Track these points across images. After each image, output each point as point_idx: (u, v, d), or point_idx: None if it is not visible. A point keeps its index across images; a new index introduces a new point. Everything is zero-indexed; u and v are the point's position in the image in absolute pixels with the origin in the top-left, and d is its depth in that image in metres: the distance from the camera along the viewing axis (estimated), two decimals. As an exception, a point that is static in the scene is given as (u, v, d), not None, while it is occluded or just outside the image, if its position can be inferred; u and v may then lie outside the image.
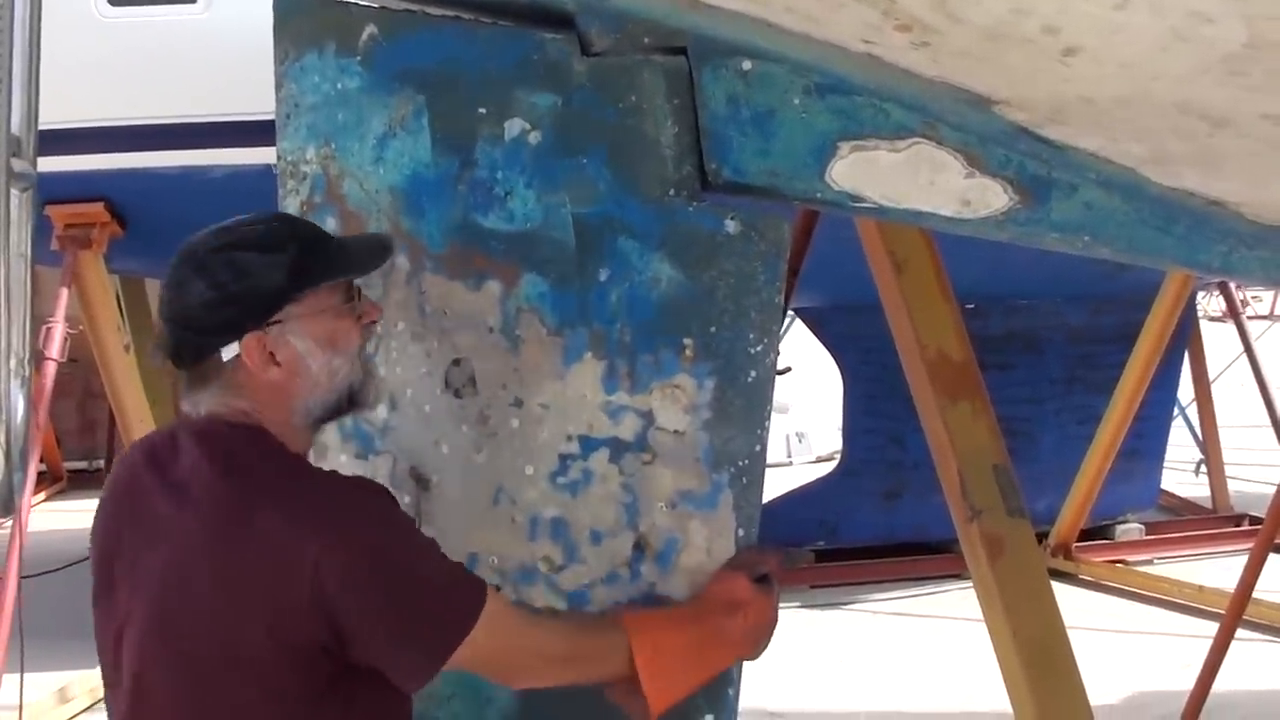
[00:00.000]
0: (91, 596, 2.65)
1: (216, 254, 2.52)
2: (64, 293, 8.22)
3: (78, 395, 15.09)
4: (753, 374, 2.77)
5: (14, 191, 2.51)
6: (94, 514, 2.68)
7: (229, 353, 2.52)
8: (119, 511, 2.63)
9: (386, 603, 2.46)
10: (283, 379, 2.57)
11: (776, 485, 11.27)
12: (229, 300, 2.50)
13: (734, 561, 2.84)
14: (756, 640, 2.82)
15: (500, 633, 2.56)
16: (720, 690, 2.87)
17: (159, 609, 2.50)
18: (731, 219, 2.74)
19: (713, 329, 2.76)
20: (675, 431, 2.82)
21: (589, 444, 2.88)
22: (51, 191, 7.92)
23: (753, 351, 2.76)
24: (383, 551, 2.47)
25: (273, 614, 2.42)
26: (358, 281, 2.69)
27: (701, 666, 2.78)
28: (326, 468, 2.77)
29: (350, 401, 2.66)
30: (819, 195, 2.73)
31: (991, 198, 2.63)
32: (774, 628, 2.84)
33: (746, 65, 2.70)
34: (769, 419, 2.82)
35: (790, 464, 16.12)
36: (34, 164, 2.65)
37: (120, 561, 2.58)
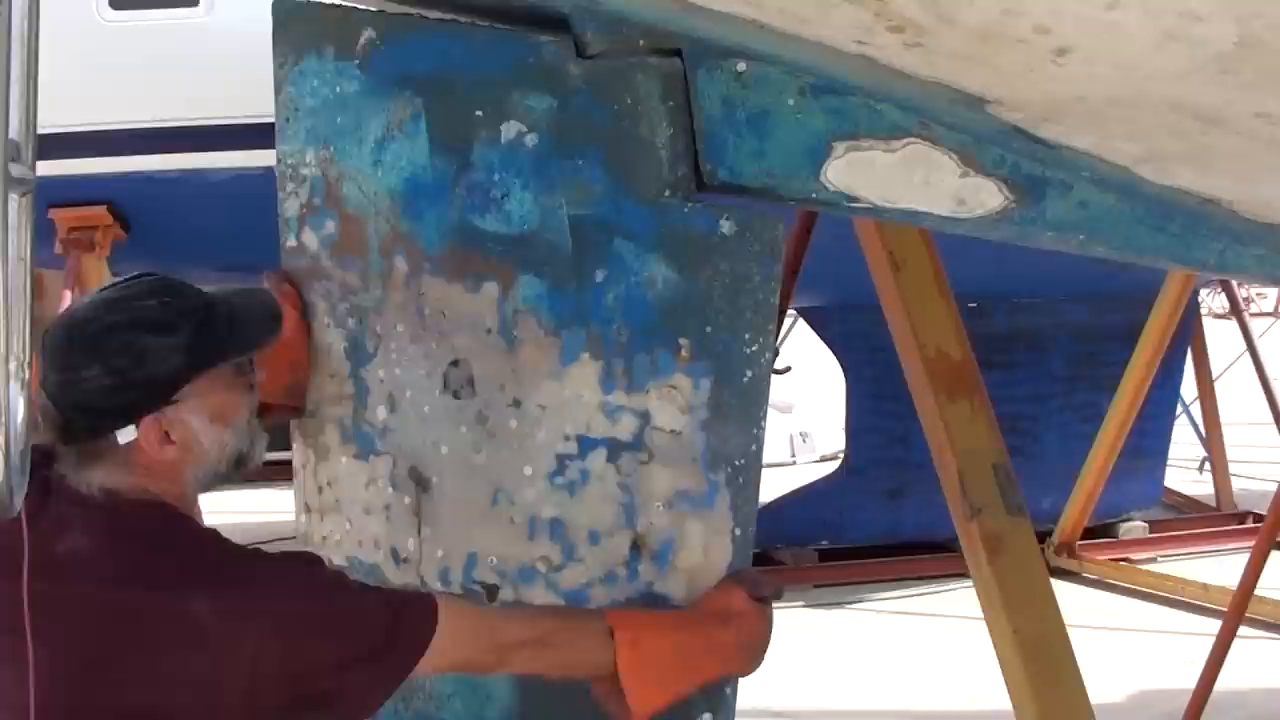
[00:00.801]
0: None
1: (109, 335, 2.46)
2: (67, 295, 8.24)
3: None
4: (749, 374, 2.77)
5: (13, 196, 2.50)
6: None
7: (125, 436, 2.47)
8: None
9: (336, 662, 2.46)
10: (176, 456, 2.52)
11: (780, 485, 11.31)
12: (127, 386, 2.46)
13: (734, 577, 2.84)
14: (750, 655, 2.80)
15: (461, 632, 2.57)
16: (718, 688, 2.87)
17: (61, 685, 2.38)
18: (727, 220, 2.74)
19: (709, 329, 2.77)
20: (672, 431, 2.83)
21: (586, 444, 2.89)
22: (54, 195, 7.96)
23: (749, 351, 2.76)
24: (321, 622, 2.46)
25: (204, 697, 2.38)
26: None
27: (688, 672, 2.75)
28: (327, 470, 2.78)
29: (236, 466, 2.62)
30: (814, 196, 2.74)
31: (986, 197, 2.64)
32: (768, 644, 2.81)
33: (741, 67, 2.71)
34: (765, 418, 2.82)
35: (794, 463, 16.13)
36: (33, 168, 2.64)
37: None
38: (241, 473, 2.65)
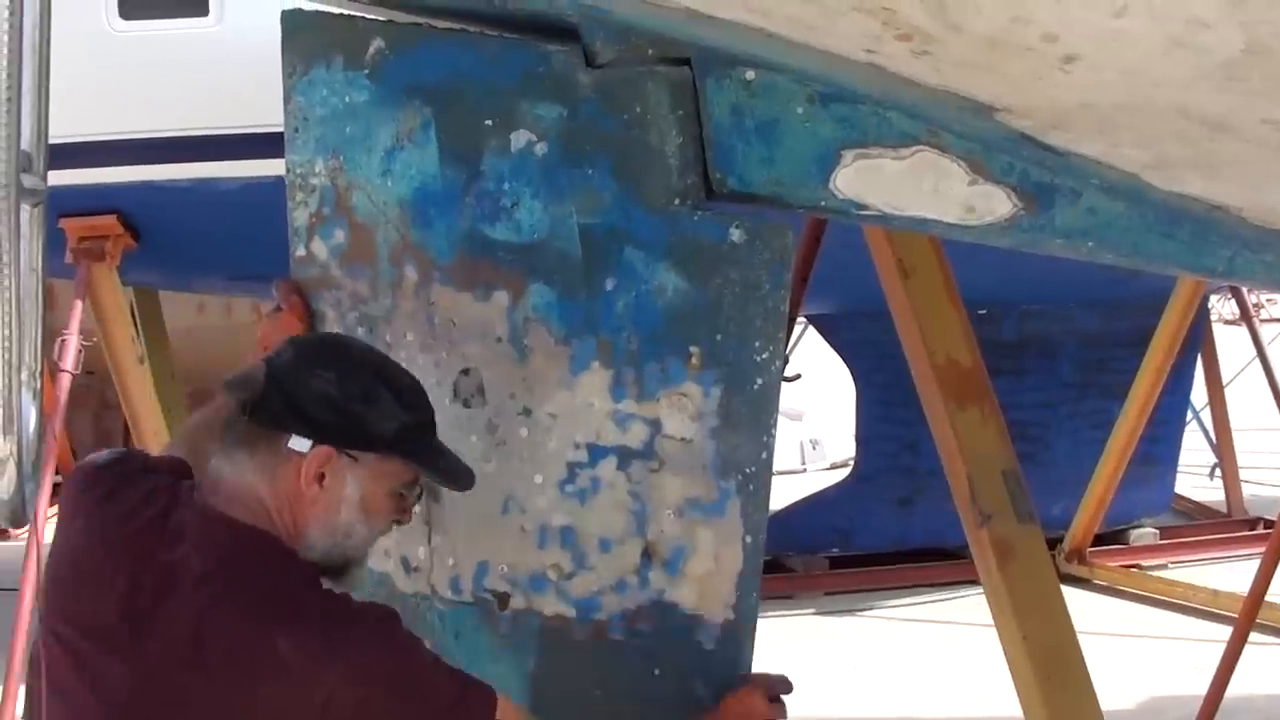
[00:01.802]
0: (51, 593, 2.58)
1: (362, 369, 2.55)
2: (78, 305, 8.24)
3: (93, 407, 15.10)
4: (759, 381, 2.78)
5: (24, 206, 2.52)
6: (80, 509, 2.61)
7: (297, 445, 2.49)
8: (116, 536, 2.55)
9: None
10: (311, 502, 2.53)
11: (790, 492, 11.28)
12: (340, 412, 2.50)
13: (753, 680, 2.86)
14: None
15: None
16: (729, 695, 2.87)
17: (155, 686, 2.45)
18: (736, 228, 2.75)
19: (719, 337, 2.78)
20: (682, 439, 2.83)
21: (597, 452, 2.90)
22: (64, 205, 7.96)
23: (759, 359, 2.77)
24: (395, 679, 2.46)
25: None
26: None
27: None
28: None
29: (337, 569, 2.61)
30: (823, 203, 2.74)
31: (995, 204, 2.64)
32: None
33: (750, 75, 2.72)
34: (776, 426, 2.83)
35: (804, 471, 16.11)
36: (44, 178, 2.66)
37: (104, 598, 2.49)
38: (333, 578, 2.61)
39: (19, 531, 12.51)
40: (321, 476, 2.51)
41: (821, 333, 11.54)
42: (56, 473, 8.19)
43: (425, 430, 2.59)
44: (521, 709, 2.78)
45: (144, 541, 2.50)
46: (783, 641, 8.23)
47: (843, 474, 12.74)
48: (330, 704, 2.39)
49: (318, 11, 3.20)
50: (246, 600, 2.44)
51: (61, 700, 2.52)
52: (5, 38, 2.40)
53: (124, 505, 2.56)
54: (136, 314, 9.89)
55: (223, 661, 2.41)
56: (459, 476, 2.65)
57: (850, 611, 10.31)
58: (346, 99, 3.12)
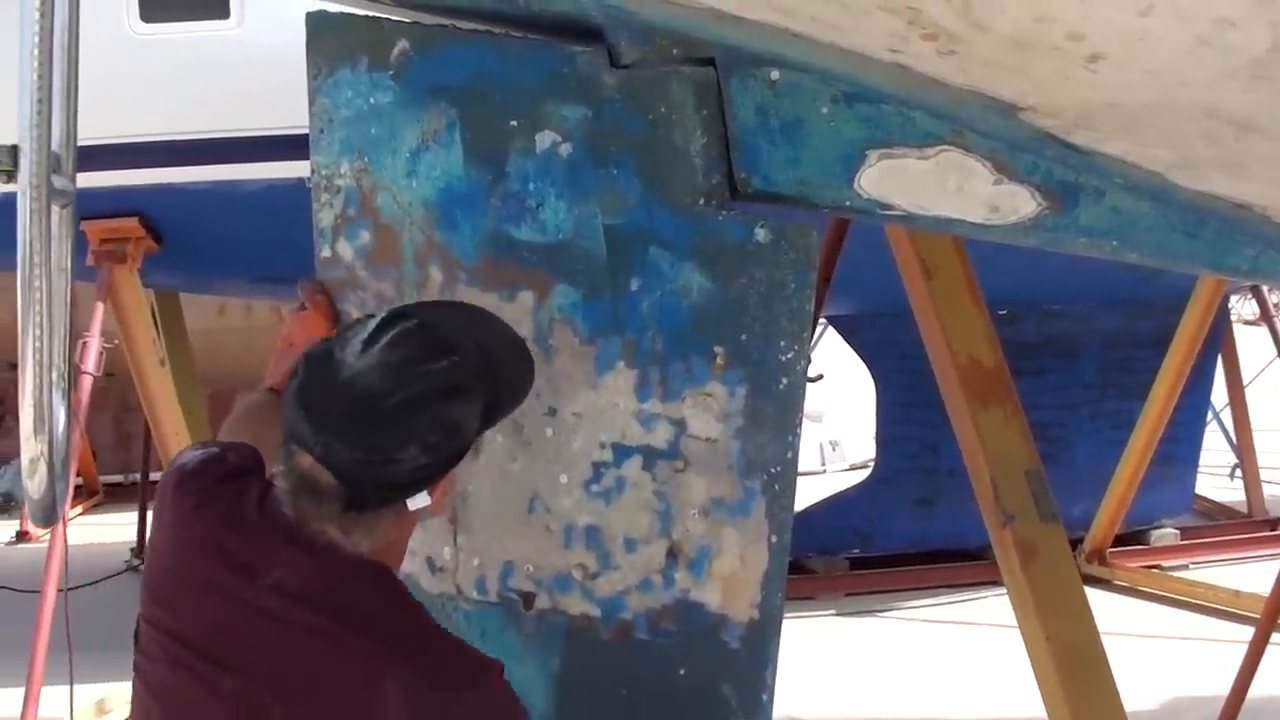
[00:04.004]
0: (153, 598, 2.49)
1: (416, 412, 2.34)
2: (100, 307, 8.26)
3: (114, 409, 15.14)
4: (784, 381, 2.78)
5: (54, 207, 2.54)
6: (178, 516, 2.52)
7: (418, 503, 2.39)
8: (216, 553, 2.45)
9: None
10: (439, 508, 2.50)
11: (810, 494, 11.28)
12: (441, 461, 2.38)
13: None
14: None
15: None
16: (755, 695, 2.88)
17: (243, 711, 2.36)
18: (761, 227, 2.75)
19: (744, 337, 2.78)
20: (707, 439, 2.84)
21: (622, 452, 2.90)
22: (86, 207, 7.96)
23: (784, 359, 2.77)
24: None
25: None
26: None
27: None
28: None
29: None
30: (848, 203, 2.75)
31: (1020, 204, 2.64)
32: None
33: (774, 75, 2.72)
34: (800, 425, 2.83)
35: (824, 472, 16.11)
36: (73, 180, 2.68)
37: (208, 609, 2.42)
38: None
39: (40, 533, 12.59)
40: (444, 489, 2.45)
41: (842, 333, 11.53)
42: (77, 475, 8.21)
43: (490, 387, 2.45)
44: None
45: (238, 558, 2.41)
46: (803, 642, 8.24)
47: (862, 475, 12.72)
48: None
49: (343, 13, 3.21)
50: (345, 637, 2.36)
51: (163, 698, 2.46)
52: (36, 39, 2.42)
53: (215, 512, 2.47)
54: (158, 317, 9.91)
55: (317, 696, 2.34)
56: (523, 378, 2.58)
57: (870, 612, 10.31)
58: (371, 100, 3.13)
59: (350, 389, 2.33)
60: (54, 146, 2.55)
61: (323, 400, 2.34)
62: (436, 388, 2.35)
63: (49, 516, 2.71)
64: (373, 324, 2.40)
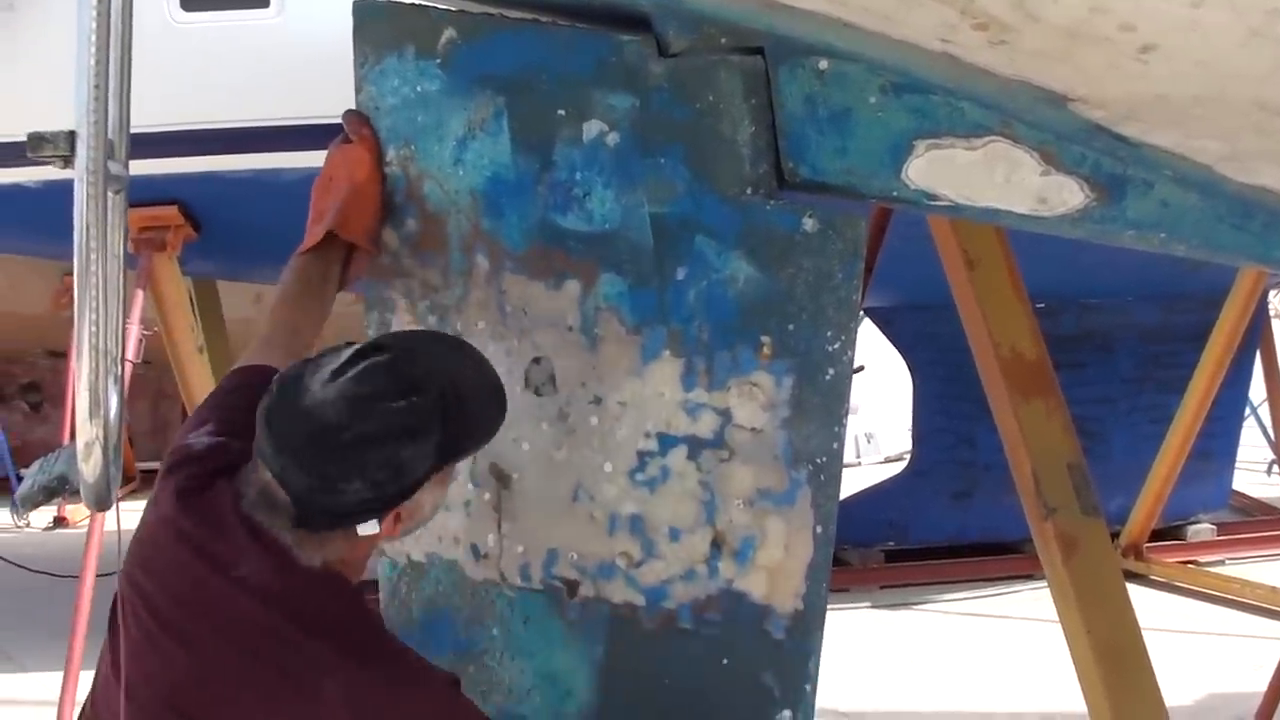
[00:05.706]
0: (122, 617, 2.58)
1: (366, 449, 2.43)
2: (139, 295, 8.30)
3: (151, 396, 15.20)
4: (830, 371, 2.78)
5: (109, 193, 2.55)
6: (149, 538, 2.62)
7: (367, 530, 2.51)
8: (184, 561, 2.54)
9: None
10: (394, 534, 2.60)
11: (845, 486, 11.26)
12: (386, 497, 2.48)
13: None
14: None
15: None
16: (798, 686, 2.88)
17: (189, 693, 2.46)
18: (809, 217, 2.75)
19: (790, 327, 2.78)
20: (753, 429, 2.84)
21: (667, 441, 2.91)
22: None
23: (830, 349, 2.77)
24: None
25: None
26: None
27: None
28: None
29: None
30: (895, 194, 2.74)
31: (1067, 195, 2.63)
32: None
33: (823, 64, 2.72)
34: (847, 416, 2.83)
35: (859, 464, 16.09)
36: (126, 166, 2.70)
37: (167, 615, 2.52)
38: None
39: (78, 519, 12.65)
40: (397, 517, 2.54)
41: (879, 325, 11.51)
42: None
43: (447, 427, 2.51)
44: None
45: (207, 549, 2.51)
46: (839, 635, 8.23)
47: (897, 468, 12.72)
48: None
49: (390, 2, 3.22)
50: (292, 639, 2.44)
51: (130, 659, 2.54)
52: (93, 26, 2.44)
53: (192, 513, 2.56)
54: (196, 304, 9.96)
55: (262, 691, 2.42)
56: (489, 419, 2.65)
57: (906, 605, 10.30)
58: (418, 88, 3.14)
59: (310, 418, 2.43)
60: (109, 133, 2.57)
61: (286, 423, 2.45)
62: (392, 427, 2.44)
63: (103, 500, 2.74)
64: (347, 353, 2.49)
